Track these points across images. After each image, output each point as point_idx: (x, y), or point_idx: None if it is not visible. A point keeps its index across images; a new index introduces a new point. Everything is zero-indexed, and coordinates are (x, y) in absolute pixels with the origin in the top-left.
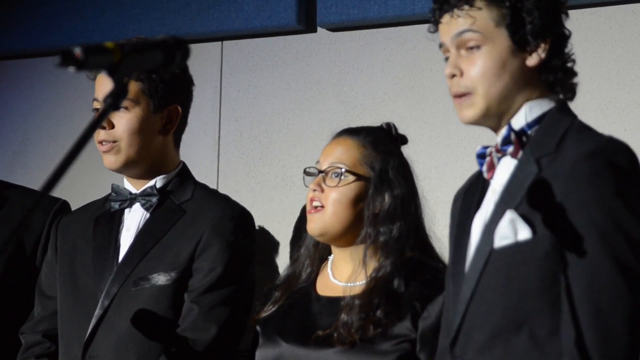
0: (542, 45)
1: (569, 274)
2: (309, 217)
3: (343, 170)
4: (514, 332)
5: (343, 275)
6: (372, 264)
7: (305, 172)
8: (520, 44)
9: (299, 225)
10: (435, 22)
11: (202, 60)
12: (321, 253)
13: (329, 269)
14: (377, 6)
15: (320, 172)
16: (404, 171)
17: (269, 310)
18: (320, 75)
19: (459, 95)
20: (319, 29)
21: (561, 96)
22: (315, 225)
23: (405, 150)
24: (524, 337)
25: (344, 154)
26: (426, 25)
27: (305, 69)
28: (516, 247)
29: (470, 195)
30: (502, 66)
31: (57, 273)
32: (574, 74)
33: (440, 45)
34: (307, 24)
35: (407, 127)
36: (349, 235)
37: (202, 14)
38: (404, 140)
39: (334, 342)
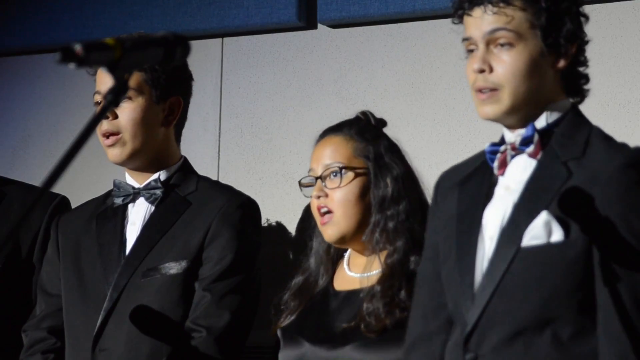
0: (570, 49)
1: (610, 281)
2: (322, 228)
3: (341, 168)
4: (537, 332)
5: (358, 268)
6: (385, 250)
7: (301, 184)
8: (552, 47)
9: (300, 228)
10: (461, 14)
11: (202, 56)
12: (334, 257)
13: (345, 264)
14: (378, 3)
15: (317, 178)
16: (397, 150)
17: (287, 319)
18: (320, 71)
19: (484, 91)
20: (319, 25)
21: (572, 100)
22: (332, 233)
23: (406, 147)
24: (546, 337)
25: (335, 153)
26: (427, 22)
27: (305, 65)
28: (548, 248)
29: (472, 186)
30: (533, 67)
31: (60, 270)
32: (589, 79)
33: (466, 39)
34: (307, 20)
35: (408, 123)
36: (363, 232)
37: (203, 11)
38: (383, 123)
39: (361, 332)
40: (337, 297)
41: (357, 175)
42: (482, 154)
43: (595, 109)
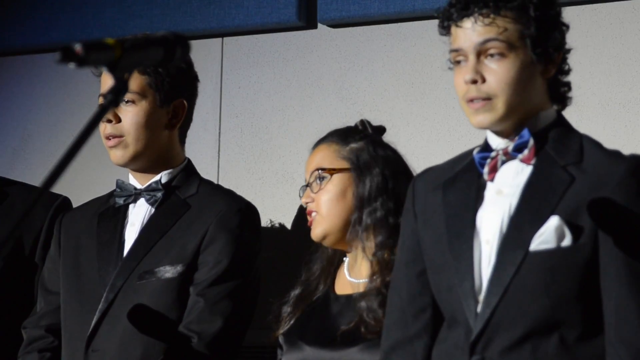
0: (557, 58)
1: (622, 284)
2: (311, 229)
3: (320, 171)
4: (545, 335)
5: (357, 273)
6: (371, 248)
7: (301, 197)
8: (541, 56)
9: (300, 228)
10: (449, 25)
11: (202, 56)
12: (335, 266)
13: (345, 270)
14: (378, 2)
15: (306, 185)
16: (383, 150)
17: (287, 325)
18: (320, 71)
19: (476, 100)
20: (319, 25)
21: (555, 107)
22: (316, 230)
23: (406, 146)
24: (554, 341)
25: (319, 159)
26: (427, 22)
27: (305, 65)
28: (558, 252)
29: (459, 189)
30: (524, 76)
31: (60, 268)
32: (571, 87)
33: (455, 50)
34: (307, 20)
35: (408, 123)
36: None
37: (203, 10)
38: (381, 130)
39: (362, 335)
40: (338, 301)
41: (335, 174)
42: (461, 157)
43: (595, 109)
